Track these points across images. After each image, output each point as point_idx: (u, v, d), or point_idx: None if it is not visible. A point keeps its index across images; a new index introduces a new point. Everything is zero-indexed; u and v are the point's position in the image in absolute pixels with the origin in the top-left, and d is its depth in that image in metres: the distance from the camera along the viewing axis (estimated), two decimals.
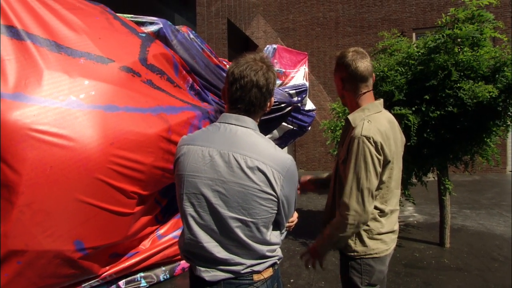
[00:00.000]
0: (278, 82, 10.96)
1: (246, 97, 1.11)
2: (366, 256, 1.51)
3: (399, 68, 3.54)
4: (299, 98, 10.31)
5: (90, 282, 2.69)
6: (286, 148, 13.92)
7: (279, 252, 1.23)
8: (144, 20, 4.03)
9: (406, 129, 3.39)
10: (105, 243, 2.54)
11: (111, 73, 2.58)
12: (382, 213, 1.53)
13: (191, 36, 5.52)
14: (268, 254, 1.16)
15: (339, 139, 4.43)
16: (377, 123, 1.47)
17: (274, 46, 10.65)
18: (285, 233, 1.28)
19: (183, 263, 3.38)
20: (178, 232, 3.37)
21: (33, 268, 2.22)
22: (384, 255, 1.54)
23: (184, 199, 1.13)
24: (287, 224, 1.28)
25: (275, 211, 1.14)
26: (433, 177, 4.21)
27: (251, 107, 1.13)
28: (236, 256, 1.12)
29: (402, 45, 3.98)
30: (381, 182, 1.48)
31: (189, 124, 3.02)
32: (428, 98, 3.43)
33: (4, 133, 2.04)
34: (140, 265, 3.01)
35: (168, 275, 3.21)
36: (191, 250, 1.16)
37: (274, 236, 1.19)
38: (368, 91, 1.56)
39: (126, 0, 6.51)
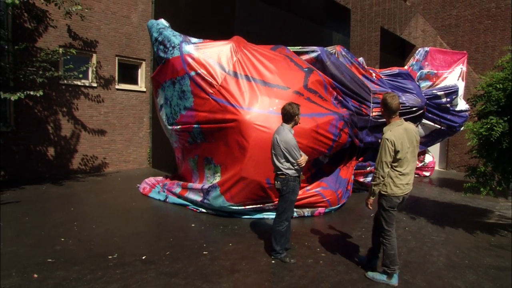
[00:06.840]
0: (428, 83, 11.14)
1: (284, 116, 3.45)
2: (390, 194, 3.01)
3: (497, 85, 4.14)
4: (448, 99, 10.61)
5: (268, 204, 5.02)
6: (437, 146, 13.25)
7: (288, 171, 3.35)
8: (307, 50, 6.32)
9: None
10: None
11: (288, 95, 4.86)
12: (401, 174, 3.01)
13: (343, 53, 7.45)
14: (281, 168, 3.37)
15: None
16: (394, 132, 2.97)
17: (427, 48, 11.04)
18: (297, 167, 3.38)
19: (320, 210, 5.39)
20: (319, 189, 5.42)
21: (249, 187, 4.72)
22: (399, 195, 2.99)
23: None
24: (296, 161, 3.34)
25: (281, 152, 3.33)
26: None
27: (284, 120, 3.46)
28: (274, 166, 3.44)
29: None
30: (396, 160, 2.93)
31: (329, 123, 5.02)
32: None
33: (244, 125, 4.59)
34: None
35: (309, 214, 5.28)
36: None
37: (286, 164, 3.36)
38: (395, 116, 3.07)
39: (293, 30, 8.60)
